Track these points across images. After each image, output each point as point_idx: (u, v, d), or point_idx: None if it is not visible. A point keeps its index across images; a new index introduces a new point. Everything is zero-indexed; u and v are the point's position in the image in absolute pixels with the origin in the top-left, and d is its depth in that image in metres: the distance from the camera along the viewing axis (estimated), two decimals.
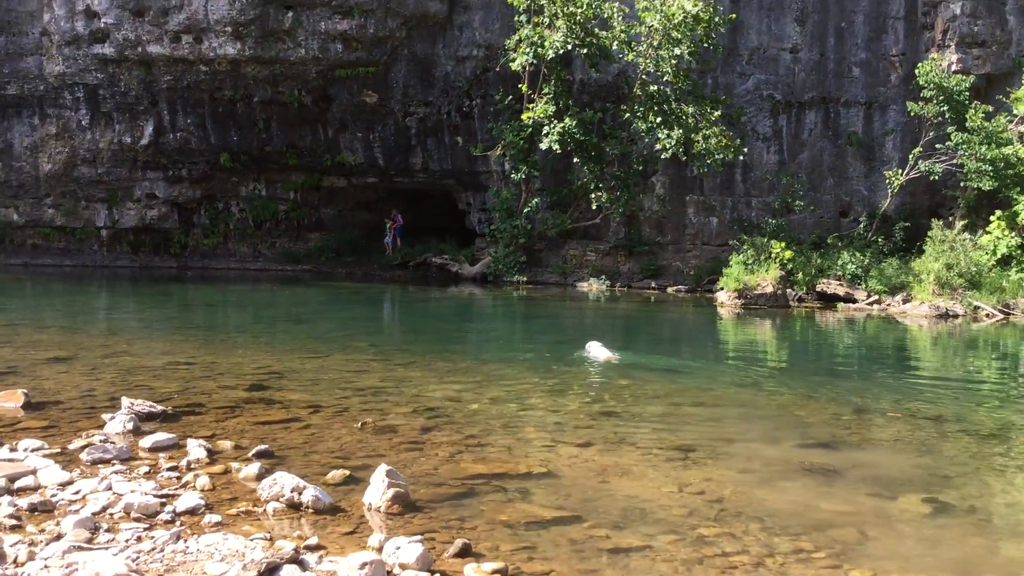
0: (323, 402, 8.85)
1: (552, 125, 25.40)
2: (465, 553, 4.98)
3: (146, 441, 7.11)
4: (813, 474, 6.85)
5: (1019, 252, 22.49)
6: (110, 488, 5.95)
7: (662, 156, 25.34)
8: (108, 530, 5.19)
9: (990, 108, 23.81)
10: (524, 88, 26.31)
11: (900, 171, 25.50)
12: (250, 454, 6.83)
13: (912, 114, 25.14)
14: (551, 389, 10.14)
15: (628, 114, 25.62)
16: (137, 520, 5.42)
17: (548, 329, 16.69)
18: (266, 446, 7.01)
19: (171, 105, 29.11)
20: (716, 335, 17.46)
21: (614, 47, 25.35)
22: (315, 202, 32.13)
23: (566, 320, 18.91)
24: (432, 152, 29.31)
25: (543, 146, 25.50)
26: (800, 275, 23.22)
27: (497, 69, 27.26)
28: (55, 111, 29.27)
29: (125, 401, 8.18)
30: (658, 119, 24.78)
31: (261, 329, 15.57)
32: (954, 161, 24.14)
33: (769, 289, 22.53)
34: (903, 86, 26.38)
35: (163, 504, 5.63)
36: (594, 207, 26.49)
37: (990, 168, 22.93)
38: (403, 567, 4.73)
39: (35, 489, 5.88)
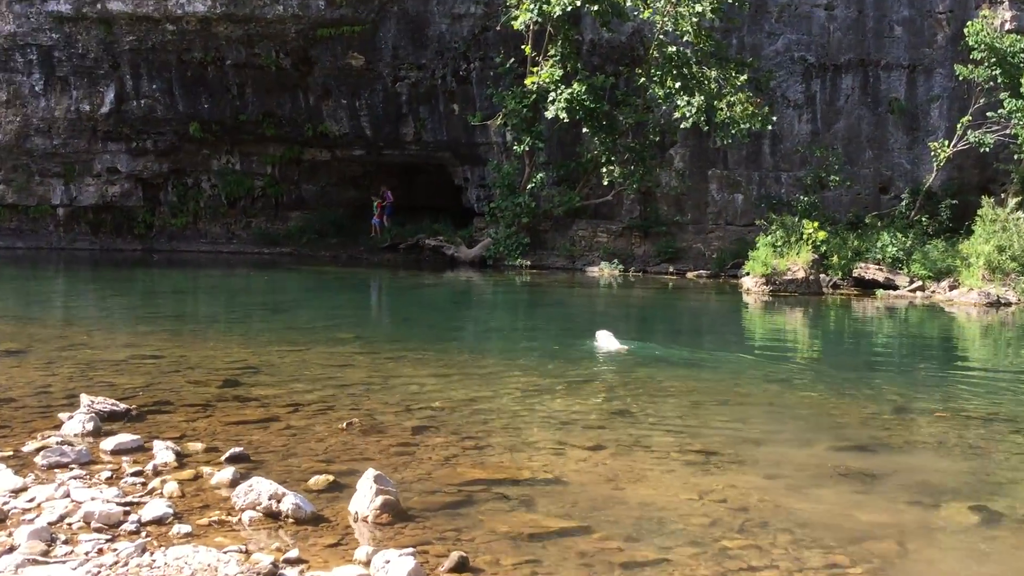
0: (304, 400, 8.88)
1: (559, 91, 25.34)
2: (462, 568, 4.98)
3: (108, 443, 7.15)
4: (849, 480, 6.86)
5: None
6: (68, 495, 5.96)
7: (681, 126, 25.24)
8: (66, 542, 5.21)
9: None
10: (528, 50, 26.26)
11: (947, 142, 25.43)
12: (223, 457, 6.87)
13: (960, 78, 24.99)
14: (558, 385, 10.18)
15: (644, 79, 25.55)
16: (98, 531, 5.43)
17: (554, 319, 16.67)
18: (241, 448, 7.06)
19: (134, 69, 29.02)
20: (741, 325, 17.47)
21: (628, 3, 25.24)
22: (295, 177, 32.02)
23: (574, 309, 18.90)
24: (425, 121, 29.15)
25: (549, 114, 25.46)
26: (835, 259, 23.24)
27: (498, 28, 27.19)
28: (5, 75, 29.16)
29: (84, 399, 8.22)
30: (677, 84, 24.72)
31: (235, 319, 15.63)
32: (1007, 131, 24.03)
33: (800, 274, 22.52)
34: (950, 47, 26.20)
35: (127, 513, 5.64)
36: (606, 183, 26.42)
37: None
38: None
39: None
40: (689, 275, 25.80)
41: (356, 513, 5.85)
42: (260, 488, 5.85)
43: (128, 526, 5.51)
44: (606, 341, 12.56)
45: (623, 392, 9.83)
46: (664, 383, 10.27)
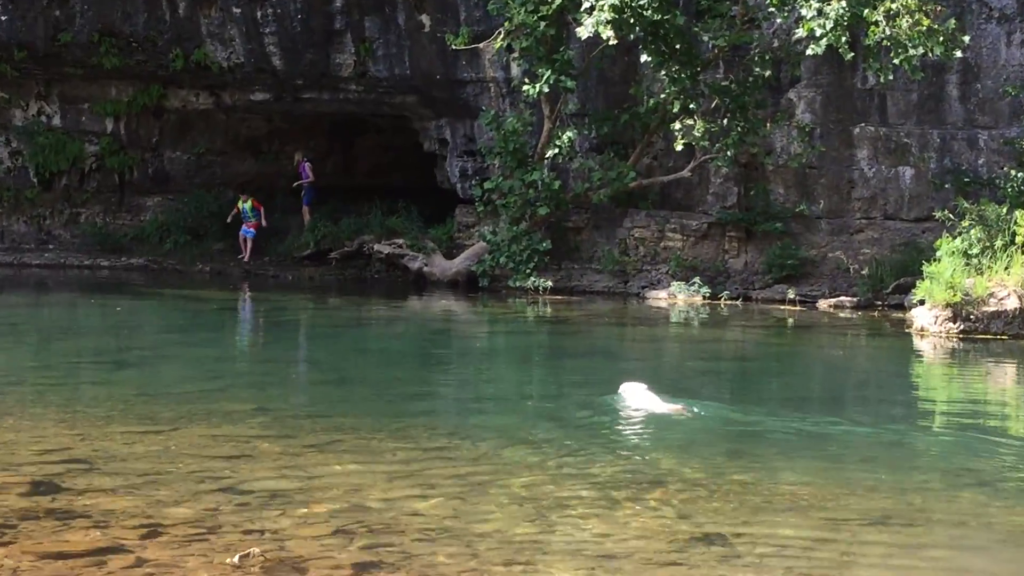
0: (168, 516, 8.76)
1: None
2: None
3: None
4: None
5: None
6: None
7: (808, 52, 24.21)
8: None
9: None
10: None
11: None
12: None
13: None
14: (596, 488, 10.06)
15: None
16: None
17: (590, 381, 16.23)
18: None
19: None
20: (907, 391, 17.15)
21: None
22: (153, 139, 31.42)
23: (625, 363, 18.59)
24: (373, 44, 28.58)
25: (583, 32, 24.59)
26: None
27: None
28: None
29: None
30: None
31: (52, 380, 15.42)
32: None
33: (1011, 304, 21.71)
34: None
35: None
36: (679, 147, 25.69)
37: None
38: None
39: None
40: (822, 304, 25.25)
41: None
42: None
43: None
44: (643, 400, 13.15)
45: (704, 499, 9.70)
46: (774, 482, 10.22)
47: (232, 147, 31.68)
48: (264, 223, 30.19)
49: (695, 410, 13.07)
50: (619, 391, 13.64)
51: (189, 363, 17.06)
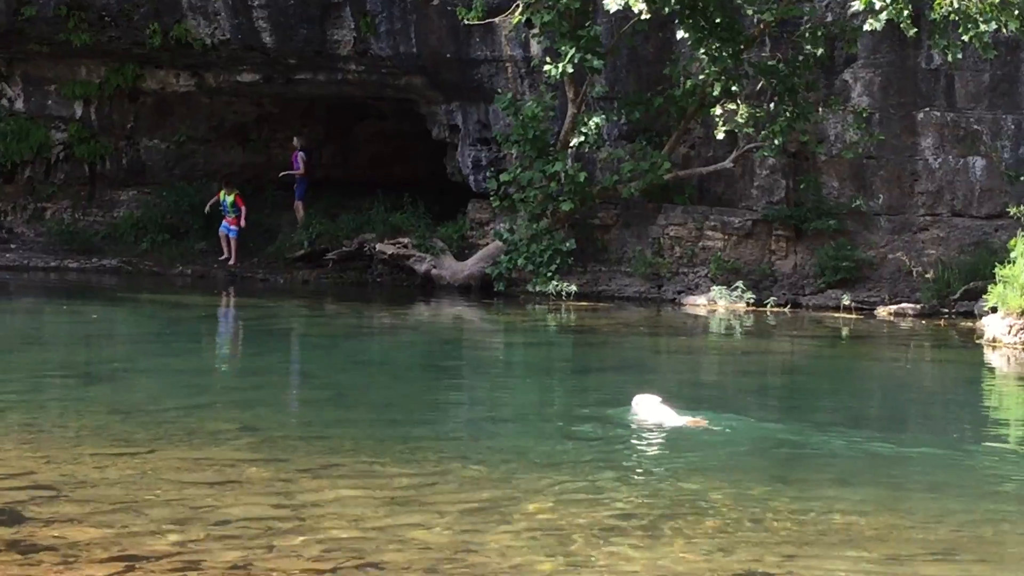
0: (145, 550, 8.74)
1: None
2: None
3: None
4: None
5: None
6: None
7: (865, 27, 24.33)
8: None
9: None
10: None
11: None
12: None
13: None
14: (623, 517, 10.03)
15: None
16: None
17: (621, 397, 15.79)
18: None
19: None
20: (978, 410, 17.02)
21: None
22: (127, 125, 31.48)
23: (659, 375, 18.77)
24: (376, 19, 28.55)
25: (611, 5, 24.74)
26: None
27: None
28: None
29: None
30: None
31: (13, 395, 15.50)
32: None
33: None
34: None
35: None
36: (720, 135, 25.91)
37: None
38: None
39: None
40: (881, 312, 25.39)
41: None
42: None
43: None
44: (654, 412, 13.35)
45: (746, 529, 9.63)
46: (826, 511, 10.14)
47: (216, 134, 31.64)
48: (243, 224, 30.11)
49: (712, 423, 13.02)
50: (632, 404, 13.78)
51: (168, 377, 17.08)
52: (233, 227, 30.20)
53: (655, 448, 12.77)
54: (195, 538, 9.00)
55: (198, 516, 9.59)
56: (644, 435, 13.05)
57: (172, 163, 31.46)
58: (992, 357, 20.59)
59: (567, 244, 26.58)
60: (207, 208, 30.39)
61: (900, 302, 25.19)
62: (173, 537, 8.97)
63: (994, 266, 22.35)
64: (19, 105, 30.60)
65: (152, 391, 15.80)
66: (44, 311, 24.06)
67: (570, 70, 25.32)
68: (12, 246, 30.44)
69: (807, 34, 25.41)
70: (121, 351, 19.84)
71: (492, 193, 27.51)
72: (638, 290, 26.51)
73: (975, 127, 26.44)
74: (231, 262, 30.21)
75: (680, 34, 25.09)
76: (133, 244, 30.27)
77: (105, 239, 30.48)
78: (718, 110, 25.10)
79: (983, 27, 22.88)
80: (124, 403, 14.66)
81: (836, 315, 24.95)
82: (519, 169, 26.69)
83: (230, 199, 30.18)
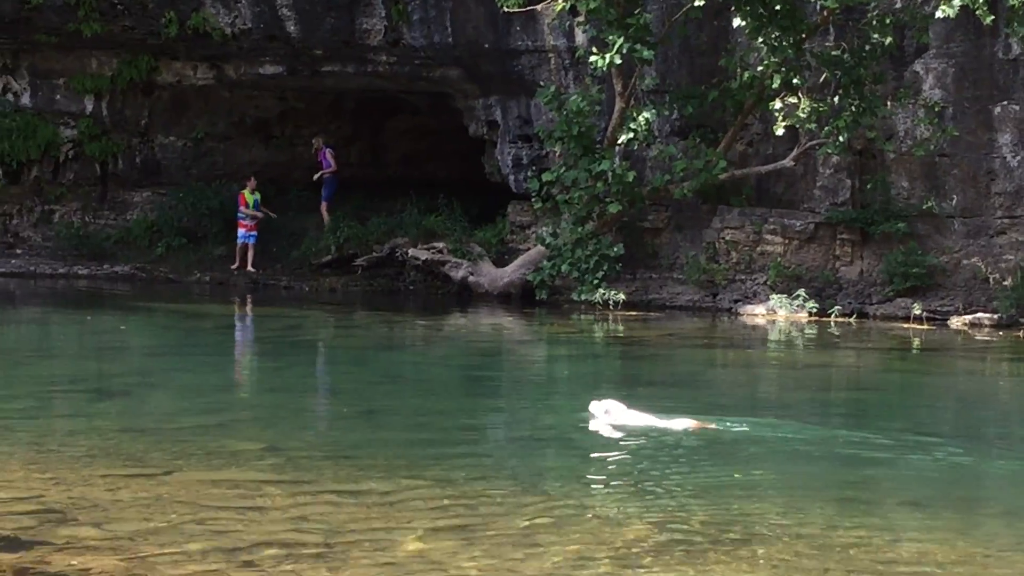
0: None
1: None
2: None
3: None
4: None
5: None
6: None
7: (937, 14, 24.11)
8: None
9: None
10: None
11: None
12: None
13: None
14: (673, 542, 9.88)
15: None
16: None
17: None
18: None
19: None
20: None
21: None
22: (141, 121, 31.53)
23: (715, 391, 19.09)
24: (409, 7, 28.69)
25: None
26: None
27: None
28: None
29: None
30: None
31: (20, 412, 15.55)
32: None
33: None
34: None
35: None
36: (780, 131, 25.61)
37: None
38: None
39: None
40: (955, 322, 25.47)
41: None
42: None
43: None
44: (630, 417, 14.02)
45: (805, 556, 9.42)
46: (893, 537, 10.05)
47: (236, 131, 31.83)
48: (259, 213, 30.13)
49: (716, 425, 13.45)
50: (590, 409, 14.25)
51: (185, 393, 17.22)
52: (254, 233, 30.28)
53: (716, 469, 12.63)
54: (214, 567, 8.98)
55: (217, 543, 9.61)
56: (694, 452, 13.13)
57: (189, 162, 31.64)
58: None
59: (614, 249, 26.60)
60: (242, 232, 30.08)
61: (975, 312, 25.09)
62: (191, 567, 8.96)
63: None
64: (25, 100, 30.88)
65: (168, 408, 15.98)
66: (51, 322, 24.37)
67: (618, 61, 25.27)
68: (18, 251, 30.87)
69: (874, 22, 25.09)
70: (134, 365, 20.02)
71: (534, 194, 27.58)
72: (691, 299, 26.66)
73: None
74: (248, 268, 30.33)
75: (737, 22, 24.95)
76: (147, 249, 30.49)
77: (117, 244, 30.76)
78: (778, 104, 24.88)
79: None
80: (138, 421, 14.86)
81: (906, 326, 25.06)
82: (563, 168, 26.68)
83: (258, 196, 30.32)
